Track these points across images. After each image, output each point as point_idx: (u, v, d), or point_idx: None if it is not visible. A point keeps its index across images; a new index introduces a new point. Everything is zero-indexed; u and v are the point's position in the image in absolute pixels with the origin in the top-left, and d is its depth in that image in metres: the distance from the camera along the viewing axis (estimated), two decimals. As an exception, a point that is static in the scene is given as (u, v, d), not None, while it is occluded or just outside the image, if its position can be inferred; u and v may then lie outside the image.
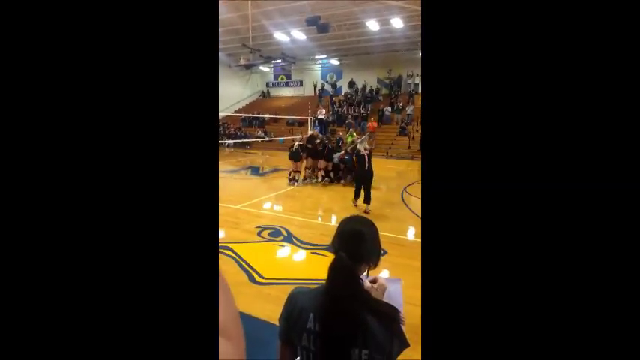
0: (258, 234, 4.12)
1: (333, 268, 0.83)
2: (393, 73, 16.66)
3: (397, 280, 1.14)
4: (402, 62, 15.78)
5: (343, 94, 17.63)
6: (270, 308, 2.36)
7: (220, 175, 7.06)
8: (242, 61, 11.33)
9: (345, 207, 5.32)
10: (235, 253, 3.45)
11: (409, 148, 12.91)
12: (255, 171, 9.46)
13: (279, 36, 12.89)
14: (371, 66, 16.59)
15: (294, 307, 0.86)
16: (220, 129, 16.07)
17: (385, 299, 0.99)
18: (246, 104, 19.69)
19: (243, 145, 14.78)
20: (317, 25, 9.60)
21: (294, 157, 7.04)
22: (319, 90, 18.38)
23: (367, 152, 5.13)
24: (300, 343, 0.84)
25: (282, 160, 10.42)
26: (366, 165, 5.07)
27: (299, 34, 12.61)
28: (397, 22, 11.13)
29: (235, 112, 17.83)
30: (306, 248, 3.69)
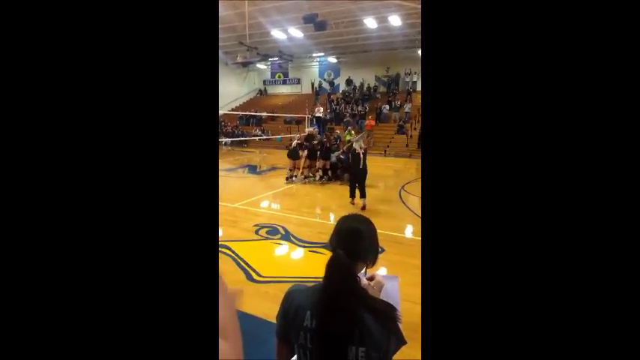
0: (256, 232, 4.12)
1: (331, 266, 0.83)
2: (390, 71, 16.66)
3: (394, 277, 1.14)
4: (399, 60, 15.77)
5: (341, 92, 17.61)
6: (267, 306, 2.36)
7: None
8: (239, 59, 11.28)
9: (343, 205, 5.32)
10: (233, 252, 3.45)
11: (407, 146, 12.92)
12: (253, 169, 9.44)
13: (277, 33, 12.83)
14: (369, 64, 16.56)
15: (291, 304, 0.86)
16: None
17: (382, 297, 0.99)
18: (244, 102, 19.62)
19: (240, 144, 14.74)
20: (314, 22, 9.57)
21: (293, 155, 7.07)
22: (317, 88, 18.34)
23: (362, 151, 5.23)
24: (297, 341, 0.83)
25: (280, 158, 10.40)
26: (361, 163, 5.18)
27: (296, 32, 12.56)
28: (395, 20, 11.11)
29: (232, 110, 17.75)
30: (304, 246, 3.69)
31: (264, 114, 16.22)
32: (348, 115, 14.93)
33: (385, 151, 12.93)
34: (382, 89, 16.90)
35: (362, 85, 17.14)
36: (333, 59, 17.45)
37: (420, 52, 14.46)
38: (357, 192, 5.27)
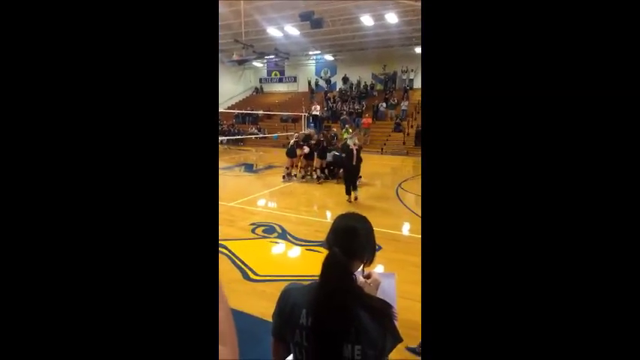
0: (253, 231, 4.11)
1: (327, 264, 0.82)
2: (387, 68, 16.66)
3: (391, 275, 1.14)
4: (396, 58, 15.78)
5: (338, 89, 17.60)
6: (264, 305, 2.35)
7: (214, 172, 6.98)
8: (235, 57, 11.23)
9: (340, 203, 5.32)
10: (229, 251, 3.44)
11: (404, 143, 12.95)
12: (249, 168, 9.42)
13: (273, 31, 12.79)
14: (365, 61, 16.56)
15: (287, 303, 0.86)
16: (214, 125, 15.92)
17: (379, 294, 0.98)
18: (240, 100, 19.56)
19: (236, 142, 14.69)
20: (311, 20, 9.54)
21: (291, 153, 7.12)
22: (313, 86, 18.31)
23: (356, 147, 5.37)
24: (293, 339, 0.83)
25: (276, 156, 10.39)
26: (354, 160, 5.33)
27: (292, 30, 12.52)
28: (392, 18, 11.10)
29: (228, 108, 17.69)
30: (301, 245, 3.69)
31: (261, 112, 16.17)
32: (345, 113, 14.93)
33: (382, 149, 12.95)
34: (379, 87, 16.90)
35: (359, 82, 17.14)
36: (329, 57, 17.43)
37: (416, 49, 14.51)
38: (355, 192, 5.33)
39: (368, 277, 1.01)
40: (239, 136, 14.72)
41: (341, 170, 6.82)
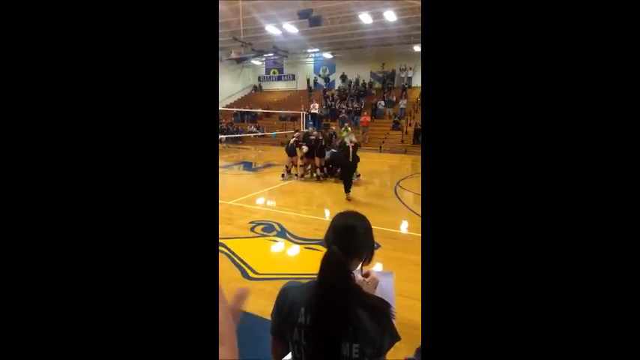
0: (252, 229, 4.10)
1: (325, 262, 0.82)
2: (386, 66, 16.63)
3: (389, 273, 1.15)
4: (395, 56, 15.76)
5: (337, 87, 17.57)
6: (263, 303, 2.35)
7: (213, 170, 6.96)
8: (233, 55, 11.19)
9: (339, 201, 5.33)
10: (228, 249, 3.44)
11: (402, 142, 12.95)
12: (248, 166, 9.41)
13: (271, 29, 12.74)
14: (364, 59, 16.53)
15: (285, 301, 0.86)
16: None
17: (377, 293, 0.99)
18: (238, 99, 19.51)
19: (235, 140, 14.66)
20: (309, 18, 9.51)
21: (290, 151, 7.12)
22: (311, 85, 18.28)
23: (352, 145, 5.45)
24: (291, 337, 0.83)
25: (275, 154, 10.38)
26: (350, 157, 5.42)
27: (291, 27, 12.49)
28: (390, 16, 11.08)
29: (227, 106, 17.64)
30: (300, 243, 3.69)
31: (259, 110, 16.13)
32: (343, 111, 14.91)
33: (380, 147, 12.95)
34: (377, 85, 16.88)
35: (357, 81, 17.11)
36: (328, 55, 17.40)
37: (415, 47, 14.49)
38: (352, 186, 5.44)
39: (366, 275, 1.01)
40: (238, 135, 14.70)
41: (339, 170, 6.84)
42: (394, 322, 0.83)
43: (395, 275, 1.15)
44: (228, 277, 2.84)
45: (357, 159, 5.55)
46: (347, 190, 5.44)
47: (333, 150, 6.95)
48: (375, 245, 0.93)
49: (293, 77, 19.86)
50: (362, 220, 0.91)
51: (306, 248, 3.57)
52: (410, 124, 13.52)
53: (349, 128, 8.06)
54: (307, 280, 0.89)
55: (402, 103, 14.57)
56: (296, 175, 7.26)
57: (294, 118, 14.67)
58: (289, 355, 0.88)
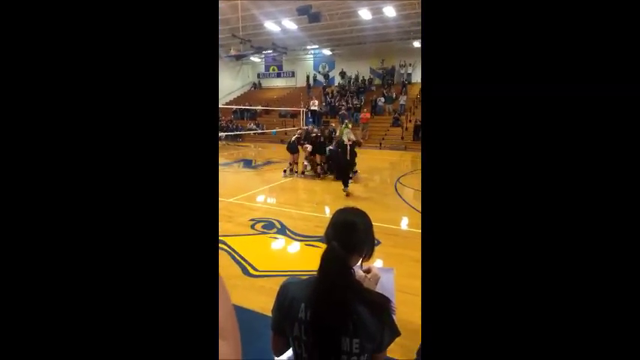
0: (252, 227, 4.11)
1: (325, 258, 0.83)
2: (385, 63, 16.57)
3: (390, 269, 1.15)
4: (394, 52, 15.69)
5: (336, 84, 17.51)
6: (263, 300, 2.37)
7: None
8: (232, 52, 11.15)
9: (339, 198, 5.33)
10: (229, 247, 3.45)
11: (402, 138, 12.93)
12: (248, 163, 9.40)
13: (270, 26, 12.68)
14: (363, 56, 16.46)
15: (286, 297, 0.86)
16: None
17: (378, 289, 0.99)
18: (238, 96, 19.45)
19: (235, 138, 14.64)
20: (308, 14, 9.46)
21: (292, 149, 7.13)
22: (311, 81, 18.21)
23: (350, 143, 5.54)
24: (292, 333, 0.84)
25: (275, 152, 10.36)
26: (348, 155, 5.52)
27: (290, 24, 12.42)
28: (389, 11, 11.02)
29: (226, 104, 17.60)
30: (300, 240, 3.70)
31: (259, 108, 16.09)
32: (343, 108, 14.87)
33: (380, 143, 12.93)
34: (377, 81, 16.83)
35: (357, 77, 17.05)
36: (327, 51, 17.32)
37: (415, 43, 14.41)
38: (350, 182, 5.48)
39: (367, 271, 1.02)
40: (237, 132, 14.67)
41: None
42: (394, 317, 0.84)
43: (395, 271, 1.16)
44: (228, 274, 2.85)
45: (354, 156, 5.56)
46: (345, 185, 5.48)
47: (331, 148, 6.95)
48: (376, 242, 0.93)
49: (292, 74, 19.78)
50: (362, 216, 0.91)
51: (306, 245, 3.57)
52: (410, 121, 13.50)
53: (349, 125, 8.05)
54: (307, 277, 0.89)
55: (402, 100, 14.53)
56: (296, 172, 7.26)
57: (294, 115, 14.64)
58: (290, 351, 0.89)
